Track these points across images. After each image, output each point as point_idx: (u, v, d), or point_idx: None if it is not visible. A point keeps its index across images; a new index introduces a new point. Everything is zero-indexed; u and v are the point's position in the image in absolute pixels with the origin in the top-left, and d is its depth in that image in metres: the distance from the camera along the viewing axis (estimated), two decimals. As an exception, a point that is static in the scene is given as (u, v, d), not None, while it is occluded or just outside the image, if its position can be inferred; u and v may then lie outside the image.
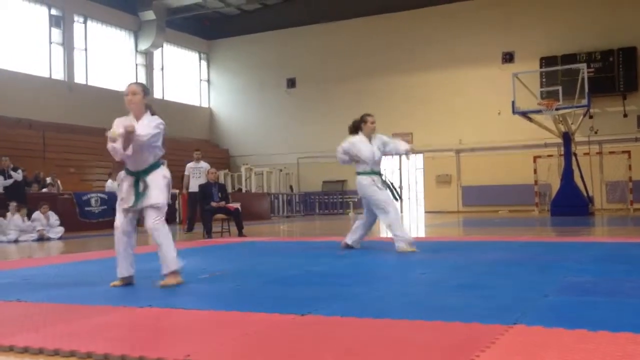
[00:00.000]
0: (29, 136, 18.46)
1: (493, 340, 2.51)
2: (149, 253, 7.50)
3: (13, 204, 11.60)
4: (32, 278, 5.17)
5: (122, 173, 4.57)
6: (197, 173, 12.47)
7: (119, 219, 4.46)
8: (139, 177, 4.43)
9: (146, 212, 4.42)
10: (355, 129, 6.92)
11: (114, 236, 4.47)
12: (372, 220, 7.03)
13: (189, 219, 12.71)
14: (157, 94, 25.00)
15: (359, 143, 6.83)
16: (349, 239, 7.09)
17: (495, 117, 21.71)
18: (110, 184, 16.26)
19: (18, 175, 13.12)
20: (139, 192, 4.39)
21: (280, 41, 26.21)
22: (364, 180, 6.75)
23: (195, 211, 12.49)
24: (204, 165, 12.57)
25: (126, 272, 4.46)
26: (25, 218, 11.65)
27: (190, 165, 12.72)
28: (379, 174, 6.85)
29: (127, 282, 4.47)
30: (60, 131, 19.60)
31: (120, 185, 4.56)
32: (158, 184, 4.43)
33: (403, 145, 7.02)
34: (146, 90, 4.56)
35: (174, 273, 4.40)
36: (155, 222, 4.39)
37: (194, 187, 12.18)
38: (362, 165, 6.82)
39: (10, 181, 12.99)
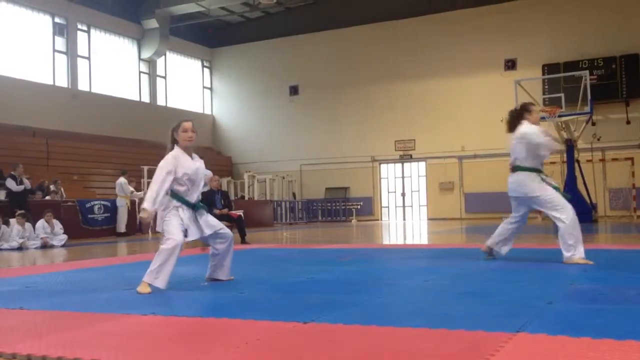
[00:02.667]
0: (32, 143, 18.50)
1: (497, 348, 2.51)
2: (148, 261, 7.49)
3: (18, 214, 11.61)
4: (36, 285, 5.17)
5: None
6: (200, 180, 12.47)
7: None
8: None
9: None
10: (518, 117, 5.93)
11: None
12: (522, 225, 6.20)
13: (191, 226, 12.69)
14: (160, 101, 25.04)
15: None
16: (503, 249, 6.20)
17: (497, 123, 21.49)
18: (121, 182, 15.63)
19: (28, 183, 13.24)
20: None
21: (282, 49, 26.27)
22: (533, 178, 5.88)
23: (197, 218, 12.47)
24: (206, 172, 12.57)
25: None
26: (26, 225, 11.59)
27: (193, 172, 12.72)
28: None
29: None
30: (64, 138, 19.63)
31: None
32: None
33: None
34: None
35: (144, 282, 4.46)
36: (161, 242, 4.67)
37: (196, 194, 12.18)
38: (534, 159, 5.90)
39: (21, 187, 13.05)
